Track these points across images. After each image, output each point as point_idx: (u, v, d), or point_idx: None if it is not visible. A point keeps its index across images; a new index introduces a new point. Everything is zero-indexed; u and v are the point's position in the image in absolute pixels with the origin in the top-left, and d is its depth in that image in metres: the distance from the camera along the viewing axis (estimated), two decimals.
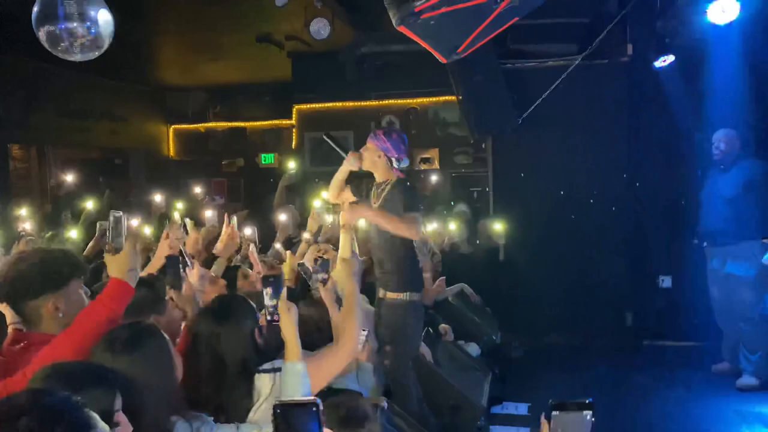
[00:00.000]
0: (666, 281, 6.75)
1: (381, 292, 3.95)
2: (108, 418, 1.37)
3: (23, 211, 4.34)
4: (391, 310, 3.86)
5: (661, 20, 5.94)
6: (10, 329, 2.24)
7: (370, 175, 4.06)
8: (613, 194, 6.85)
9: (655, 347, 6.67)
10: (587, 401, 1.36)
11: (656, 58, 6.16)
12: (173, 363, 1.92)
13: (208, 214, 4.22)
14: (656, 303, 6.76)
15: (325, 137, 4.11)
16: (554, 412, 1.36)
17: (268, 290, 2.25)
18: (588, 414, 1.36)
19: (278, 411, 1.37)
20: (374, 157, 3.91)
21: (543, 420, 1.36)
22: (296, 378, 2.14)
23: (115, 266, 2.04)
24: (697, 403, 5.21)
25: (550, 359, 6.44)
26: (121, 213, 2.15)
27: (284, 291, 2.28)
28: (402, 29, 2.66)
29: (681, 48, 5.98)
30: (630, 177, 6.81)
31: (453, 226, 6.46)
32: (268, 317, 2.25)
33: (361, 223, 4.50)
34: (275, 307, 2.24)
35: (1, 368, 1.96)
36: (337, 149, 4.04)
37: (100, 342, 1.84)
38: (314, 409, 1.36)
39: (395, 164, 3.89)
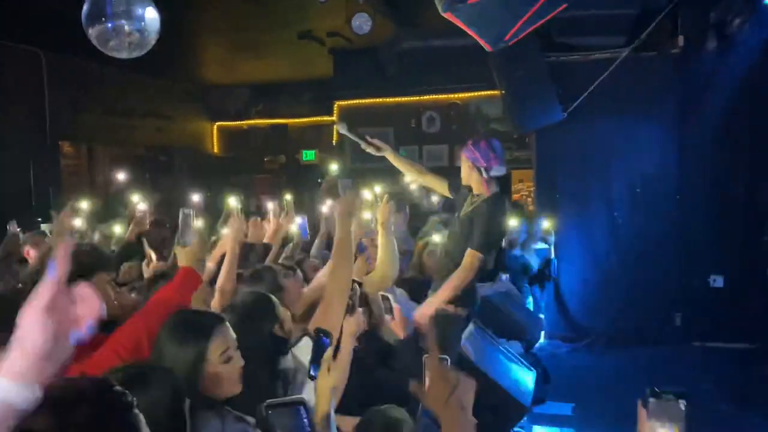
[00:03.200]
0: (718, 281, 6.52)
1: None
2: None
3: (84, 205, 4.47)
4: (436, 317, 3.69)
5: (715, 10, 5.72)
6: None
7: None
8: (662, 190, 6.65)
9: (706, 349, 6.45)
10: (682, 390, 1.38)
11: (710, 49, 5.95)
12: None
13: (269, 205, 4.28)
14: (707, 303, 6.54)
15: (343, 132, 3.93)
16: (651, 399, 1.36)
17: (311, 343, 2.06)
18: (682, 403, 1.37)
19: (268, 412, 1.36)
20: (466, 170, 3.75)
21: (640, 406, 1.36)
22: None
23: (185, 256, 2.20)
24: (750, 409, 5.01)
25: (595, 359, 6.30)
26: (190, 210, 2.27)
27: (329, 351, 2.02)
28: (448, 16, 2.61)
29: (736, 39, 5.74)
30: (680, 172, 6.60)
31: (513, 221, 6.32)
32: (312, 372, 1.99)
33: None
34: (316, 365, 1.98)
35: None
36: (356, 139, 3.84)
37: (164, 326, 1.87)
38: (302, 408, 1.35)
39: (484, 174, 3.70)
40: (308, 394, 2.08)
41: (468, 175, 3.77)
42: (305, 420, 1.35)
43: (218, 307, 2.85)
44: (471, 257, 3.62)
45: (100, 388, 1.29)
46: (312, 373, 1.94)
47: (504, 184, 8.19)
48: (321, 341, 2.00)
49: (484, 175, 3.69)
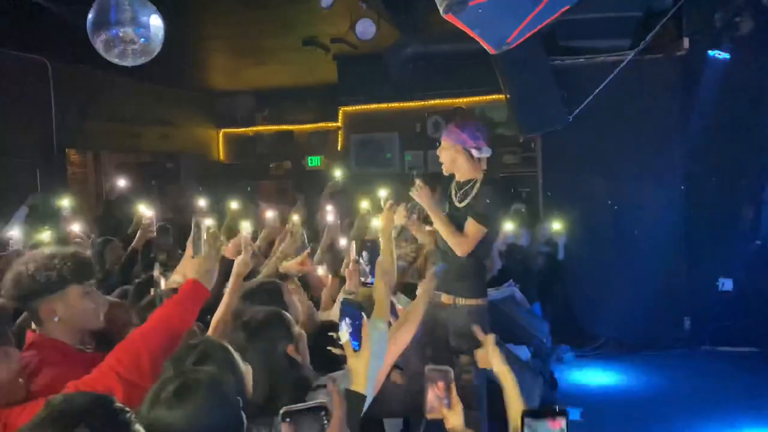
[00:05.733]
0: (726, 284, 6.47)
1: (449, 298, 3.64)
2: None
3: (65, 202, 4.44)
4: (471, 318, 3.50)
5: (720, 12, 5.69)
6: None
7: (441, 178, 3.76)
8: (669, 193, 6.61)
9: (715, 353, 6.40)
10: (560, 409, 1.38)
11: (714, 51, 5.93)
12: (243, 375, 1.85)
13: (269, 214, 4.25)
14: (716, 306, 6.48)
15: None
16: (527, 419, 1.37)
17: (364, 254, 2.50)
18: (562, 421, 1.37)
19: (287, 418, 1.36)
20: (452, 155, 3.58)
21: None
22: (377, 334, 2.13)
23: (192, 267, 2.08)
24: (759, 413, 4.96)
25: (603, 364, 6.26)
26: (200, 219, 2.23)
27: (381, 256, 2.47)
28: (449, 18, 2.58)
29: (741, 40, 5.72)
30: (687, 174, 6.57)
31: (510, 225, 6.28)
32: (363, 279, 2.54)
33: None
34: (371, 270, 2.43)
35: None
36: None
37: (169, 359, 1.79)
38: (323, 413, 1.36)
39: (476, 154, 3.55)
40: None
41: (452, 161, 3.60)
42: (325, 423, 1.36)
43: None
44: (474, 228, 3.46)
45: (100, 404, 1.28)
46: (355, 348, 1.96)
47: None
48: (374, 253, 2.52)
49: (475, 155, 3.55)
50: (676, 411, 5.00)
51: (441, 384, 2.01)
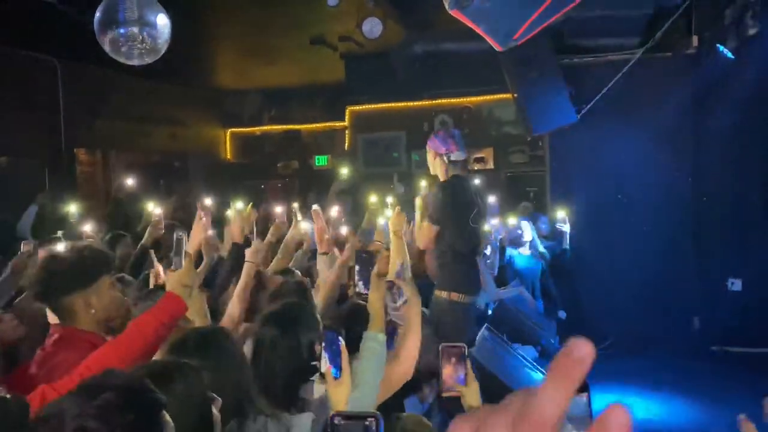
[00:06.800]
0: (736, 284, 6.43)
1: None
2: None
3: (73, 208, 4.50)
4: (433, 308, 3.91)
5: (730, 9, 5.65)
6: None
7: None
8: (677, 192, 6.57)
9: (724, 353, 6.36)
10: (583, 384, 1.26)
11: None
12: (245, 363, 1.94)
13: (278, 209, 4.29)
14: (725, 306, 6.44)
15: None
16: None
17: (357, 266, 2.40)
18: (584, 396, 1.26)
19: (335, 422, 1.33)
20: (431, 159, 4.05)
21: None
22: (376, 347, 2.18)
23: (172, 281, 2.09)
24: None
25: (611, 364, 6.22)
26: (182, 234, 2.24)
27: (376, 267, 2.37)
28: (455, 13, 2.58)
29: (752, 38, 5.67)
30: (696, 174, 6.53)
31: (512, 221, 6.25)
32: (357, 289, 2.40)
33: None
34: (365, 282, 2.34)
35: (39, 360, 2.09)
36: None
37: (169, 345, 1.89)
38: (373, 422, 1.31)
39: (445, 159, 3.97)
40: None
41: (432, 164, 4.07)
42: None
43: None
44: (426, 226, 3.93)
45: (124, 379, 1.34)
46: (335, 375, 1.90)
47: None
48: (368, 265, 2.32)
49: (445, 160, 3.96)
50: (685, 411, 4.97)
51: (455, 361, 2.00)
